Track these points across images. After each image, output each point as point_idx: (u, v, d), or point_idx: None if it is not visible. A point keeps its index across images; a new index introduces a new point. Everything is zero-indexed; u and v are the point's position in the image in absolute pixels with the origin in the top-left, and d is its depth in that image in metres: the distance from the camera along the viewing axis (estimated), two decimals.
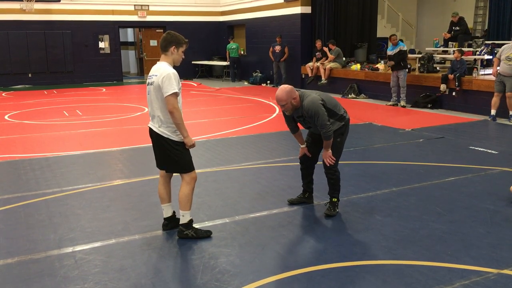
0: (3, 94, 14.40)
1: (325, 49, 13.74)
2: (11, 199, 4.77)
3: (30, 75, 16.79)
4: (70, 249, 3.60)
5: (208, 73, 19.77)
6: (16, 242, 3.76)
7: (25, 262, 3.42)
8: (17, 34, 16.30)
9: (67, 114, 10.29)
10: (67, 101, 12.58)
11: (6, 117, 9.98)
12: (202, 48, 19.17)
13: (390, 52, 10.58)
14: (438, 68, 11.44)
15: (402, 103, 10.59)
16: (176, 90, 3.55)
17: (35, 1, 15.99)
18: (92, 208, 4.50)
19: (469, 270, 3.18)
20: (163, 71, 3.59)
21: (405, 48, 10.60)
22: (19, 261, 3.44)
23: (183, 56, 3.79)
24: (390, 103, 10.92)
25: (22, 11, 16.05)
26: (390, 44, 10.88)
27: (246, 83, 17.03)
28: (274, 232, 3.89)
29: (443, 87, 10.14)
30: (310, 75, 14.15)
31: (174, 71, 3.63)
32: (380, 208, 4.39)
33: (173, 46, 3.67)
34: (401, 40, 11.37)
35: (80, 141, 7.53)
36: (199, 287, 3.06)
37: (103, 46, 17.83)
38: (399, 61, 10.39)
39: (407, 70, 10.58)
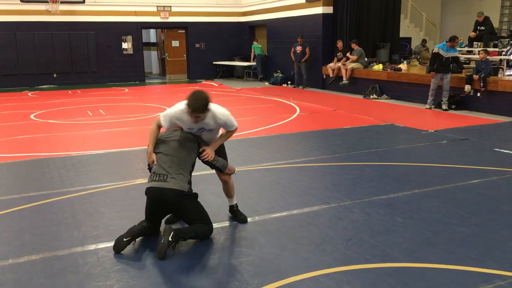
0: (29, 94, 14.72)
1: (348, 55, 13.62)
2: (36, 196, 4.88)
3: (55, 75, 17.12)
4: (93, 247, 3.66)
5: (229, 73, 19.85)
6: (40, 239, 3.84)
7: (49, 258, 3.49)
8: (43, 35, 16.64)
9: (90, 114, 10.46)
10: (91, 101, 12.79)
11: (31, 116, 10.20)
12: (224, 49, 19.25)
13: (445, 53, 9.98)
14: None
15: (444, 106, 10.10)
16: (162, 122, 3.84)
17: (60, 3, 16.30)
18: (115, 207, 4.57)
19: (493, 274, 3.12)
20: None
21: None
22: (43, 257, 3.51)
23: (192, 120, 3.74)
24: (427, 106, 10.43)
25: (47, 12, 16.36)
26: (445, 44, 10.16)
27: (267, 83, 17.03)
28: (294, 232, 3.88)
29: (467, 87, 9.96)
30: (331, 75, 14.08)
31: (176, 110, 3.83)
32: (401, 210, 4.34)
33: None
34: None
35: (103, 140, 7.65)
36: (219, 285, 3.08)
37: (126, 47, 18.05)
38: (451, 64, 10.04)
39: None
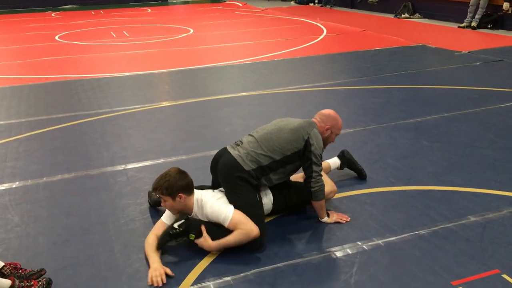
0: (52, 15, 14.59)
1: None
2: (65, 118, 4.99)
3: None
4: (122, 167, 3.78)
5: None
6: (72, 158, 3.97)
7: (82, 177, 3.62)
8: None
9: (114, 35, 10.36)
10: (114, 22, 12.62)
11: (56, 37, 10.18)
12: None
13: None
14: None
15: (474, 23, 9.67)
16: None
17: None
18: (141, 129, 4.65)
19: None
20: None
21: None
22: (76, 176, 3.65)
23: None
24: (464, 24, 9.96)
25: None
26: None
27: (293, 2, 16.41)
28: None
29: (506, 5, 9.39)
30: None
31: None
32: (428, 133, 4.28)
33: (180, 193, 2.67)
34: None
35: (128, 62, 7.63)
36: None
37: None
38: None
39: None
